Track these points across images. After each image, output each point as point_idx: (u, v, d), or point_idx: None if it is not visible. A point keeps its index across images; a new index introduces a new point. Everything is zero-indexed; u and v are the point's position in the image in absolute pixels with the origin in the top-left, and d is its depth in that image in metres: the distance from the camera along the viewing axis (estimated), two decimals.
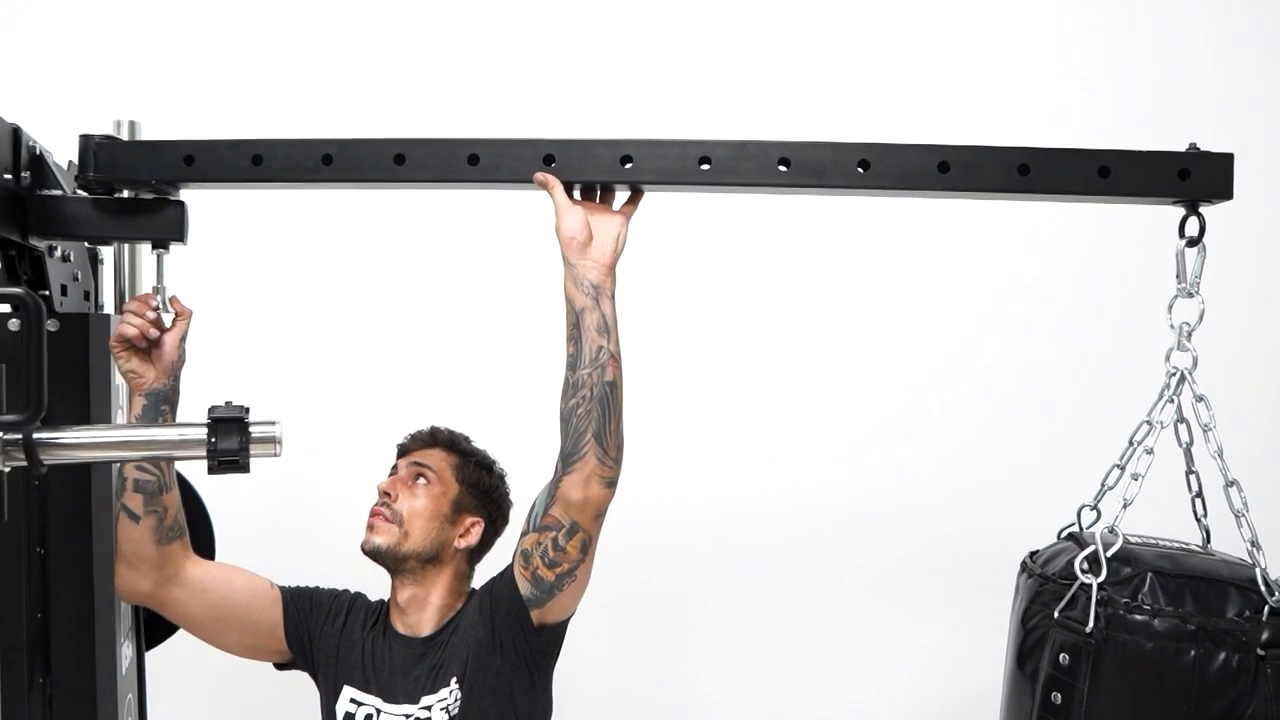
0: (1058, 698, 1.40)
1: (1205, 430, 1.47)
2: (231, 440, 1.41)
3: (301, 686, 1.74)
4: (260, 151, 1.52)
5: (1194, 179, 1.44)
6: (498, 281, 2.58)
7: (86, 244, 1.70)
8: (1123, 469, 1.51)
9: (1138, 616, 1.38)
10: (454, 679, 1.60)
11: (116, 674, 1.60)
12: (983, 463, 2.61)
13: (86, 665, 1.55)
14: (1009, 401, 2.63)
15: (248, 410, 1.41)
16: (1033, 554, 1.56)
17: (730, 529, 2.62)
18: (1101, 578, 1.40)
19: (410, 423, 1.80)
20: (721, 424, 2.63)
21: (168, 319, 1.57)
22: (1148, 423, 1.49)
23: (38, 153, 1.51)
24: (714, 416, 2.63)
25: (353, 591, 1.75)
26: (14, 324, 1.45)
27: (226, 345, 2.02)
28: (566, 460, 1.49)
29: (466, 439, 1.77)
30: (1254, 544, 1.43)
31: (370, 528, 1.67)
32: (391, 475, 1.73)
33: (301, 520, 2.51)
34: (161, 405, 1.55)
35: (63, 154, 1.57)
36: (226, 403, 1.42)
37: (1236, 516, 1.45)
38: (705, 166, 1.49)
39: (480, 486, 1.72)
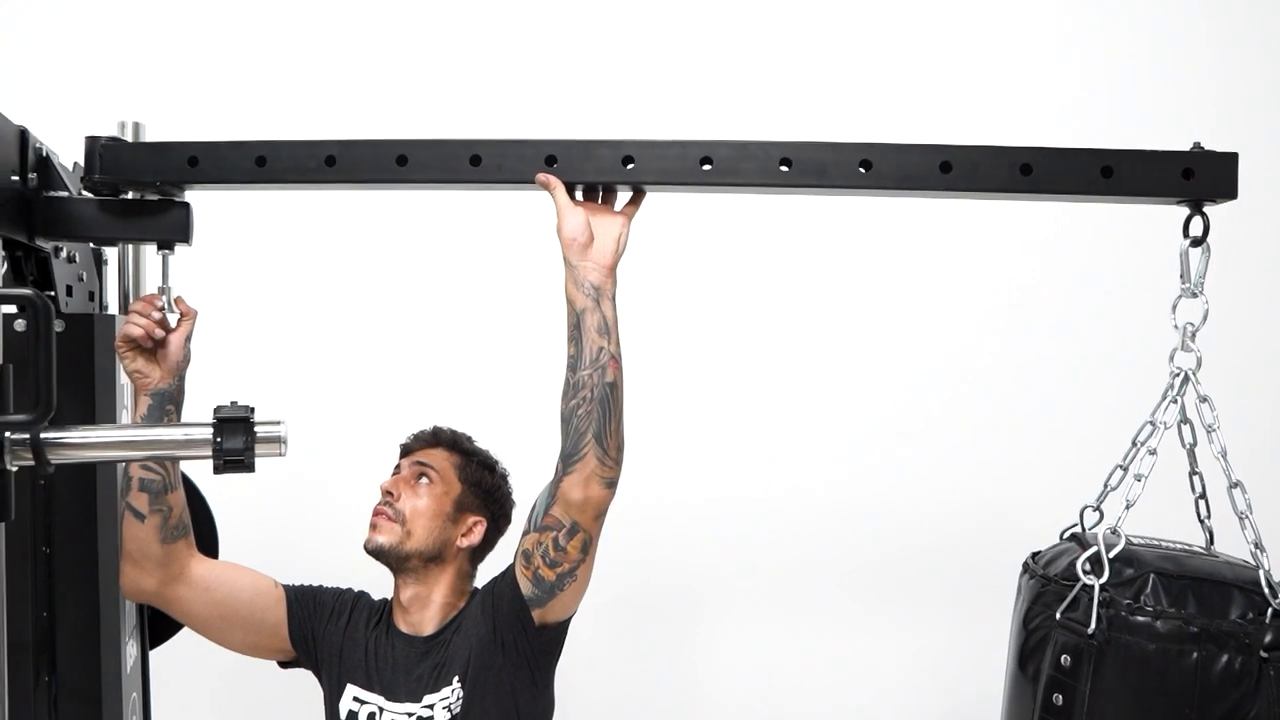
0: (1059, 699, 1.40)
1: (1209, 431, 1.46)
2: (237, 440, 1.41)
3: (305, 685, 1.75)
4: (264, 153, 1.53)
5: (1198, 178, 1.44)
6: (500, 282, 2.59)
7: (92, 245, 1.71)
8: (1126, 470, 1.51)
9: (1140, 618, 1.37)
10: (456, 678, 1.61)
11: (121, 673, 1.60)
12: (984, 463, 2.61)
13: (91, 664, 1.55)
14: (1010, 402, 2.63)
15: (253, 410, 1.41)
16: (1035, 555, 1.56)
17: (731, 529, 2.62)
18: (1104, 579, 1.40)
19: (413, 423, 1.81)
20: (722, 424, 2.63)
21: (173, 319, 1.58)
22: (1151, 423, 1.49)
23: (44, 154, 1.52)
24: (714, 417, 2.63)
25: (356, 590, 1.76)
26: (20, 324, 1.46)
27: (230, 345, 2.03)
28: (567, 461, 1.50)
29: (469, 439, 1.77)
30: (1257, 546, 1.43)
31: (373, 527, 1.68)
32: (394, 475, 1.74)
33: (305, 520, 2.52)
34: (167, 405, 1.56)
35: (68, 155, 1.58)
36: (232, 403, 1.42)
37: (1240, 518, 1.44)
38: (707, 167, 1.50)
39: (482, 486, 1.73)
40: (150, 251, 1.77)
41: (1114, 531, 1.44)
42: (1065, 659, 1.40)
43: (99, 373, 1.58)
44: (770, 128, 1.58)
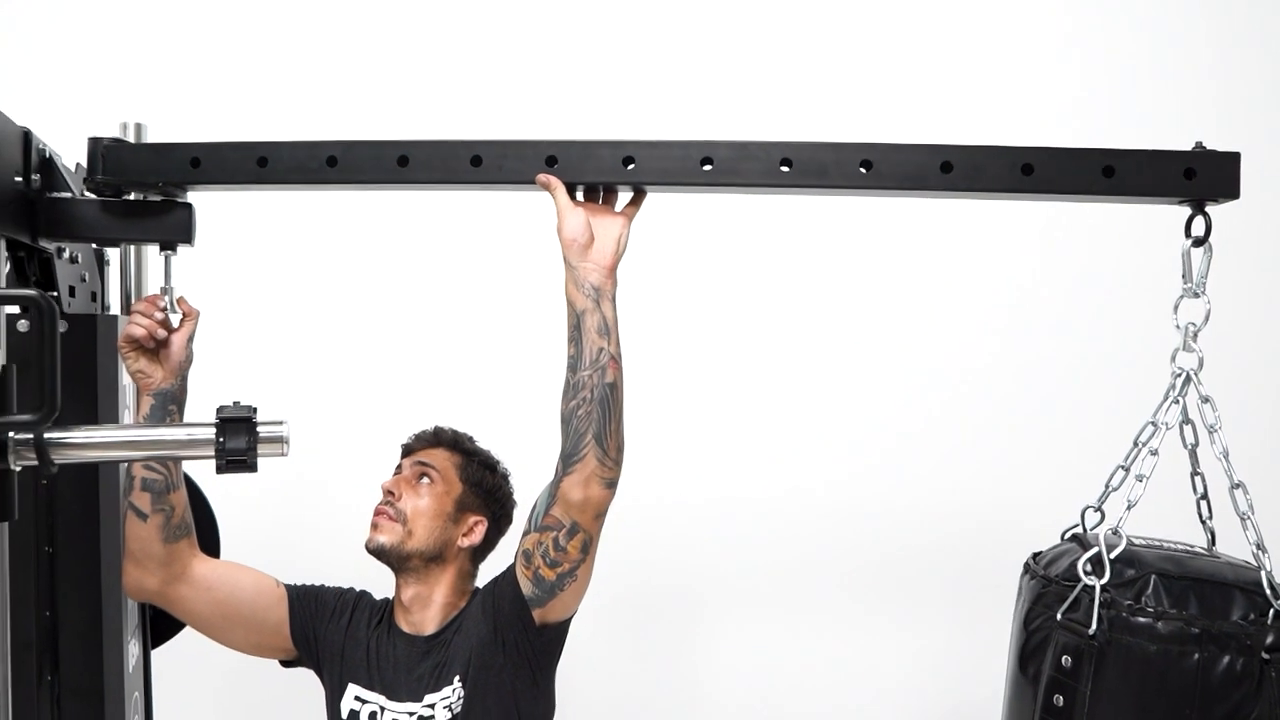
0: (1060, 700, 1.40)
1: (1211, 432, 1.46)
2: (239, 440, 1.41)
3: (306, 685, 1.75)
4: (265, 153, 1.53)
5: (1200, 178, 1.43)
6: (501, 282, 2.59)
7: (94, 246, 1.71)
8: (1127, 470, 1.51)
9: (1141, 619, 1.37)
10: (457, 677, 1.61)
11: (123, 672, 1.61)
12: (984, 463, 2.60)
13: (94, 663, 1.56)
14: (1010, 401, 2.62)
15: (255, 410, 1.42)
16: (1035, 555, 1.55)
17: (731, 529, 2.62)
18: (1105, 580, 1.39)
19: (414, 423, 1.81)
20: (722, 424, 2.64)
21: (175, 319, 1.58)
22: (1153, 424, 1.48)
23: (47, 155, 1.52)
24: (714, 417, 2.64)
25: (358, 590, 1.77)
26: (23, 325, 1.46)
27: (232, 346, 2.04)
28: (567, 461, 1.50)
29: (470, 439, 1.78)
30: (1259, 547, 1.42)
31: (374, 526, 1.69)
32: (396, 474, 1.74)
33: (306, 520, 2.53)
34: (169, 405, 1.57)
35: (70, 156, 1.58)
36: (234, 403, 1.43)
37: (1242, 519, 1.44)
38: (707, 167, 1.50)
39: (483, 486, 1.73)
40: (152, 252, 1.77)
41: (1115, 532, 1.44)
42: (1066, 660, 1.40)
43: (101, 373, 1.58)
44: (771, 128, 1.58)
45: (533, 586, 1.58)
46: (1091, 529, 1.53)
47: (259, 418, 1.41)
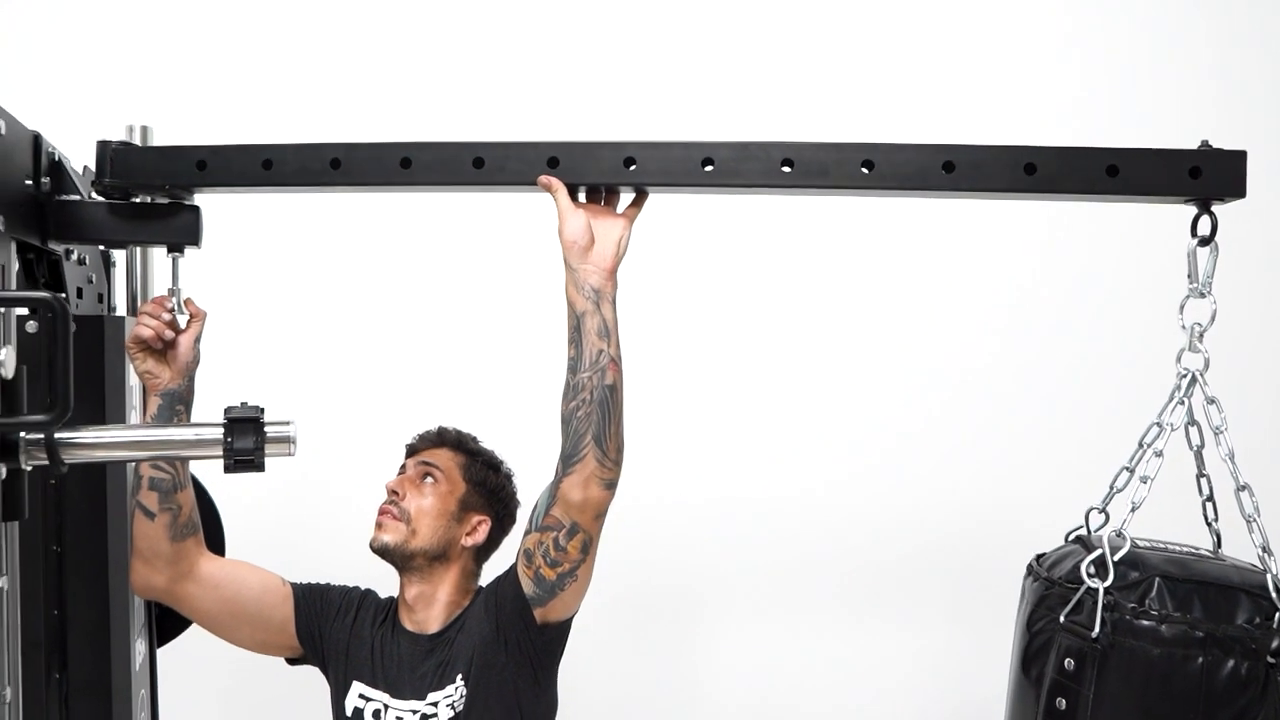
0: (1062, 703, 1.39)
1: (1216, 433, 1.44)
2: (247, 440, 1.43)
3: (311, 682, 1.77)
4: (270, 156, 1.54)
5: (1206, 177, 1.42)
6: (503, 283, 2.60)
7: (101, 248, 1.73)
8: (1132, 472, 1.49)
9: (1145, 622, 1.36)
10: (459, 676, 1.62)
11: (131, 670, 1.63)
12: (984, 463, 2.59)
13: (102, 661, 1.58)
14: (1011, 402, 2.61)
15: (263, 410, 1.43)
16: (1039, 557, 1.54)
17: (731, 529, 2.62)
18: (1108, 582, 1.38)
19: (418, 423, 1.82)
20: (722, 424, 2.64)
21: (183, 320, 1.60)
22: (1158, 425, 1.47)
23: (56, 159, 1.54)
24: (714, 417, 2.64)
25: (363, 588, 1.78)
26: (31, 326, 1.48)
27: (237, 346, 2.05)
28: (566, 462, 1.50)
29: (474, 439, 1.79)
30: (1265, 549, 1.40)
31: (379, 525, 1.70)
32: (400, 474, 1.76)
33: (310, 519, 2.55)
34: (177, 405, 1.59)
35: (77, 159, 1.60)
36: (242, 403, 1.44)
37: (1248, 521, 1.42)
38: (708, 168, 1.49)
39: (487, 485, 1.74)
40: (157, 253, 1.79)
41: (1119, 534, 1.43)
42: (1069, 663, 1.39)
43: (109, 373, 1.60)
44: (772, 128, 1.58)
45: (534, 586, 1.58)
46: (1095, 531, 1.51)
47: (266, 418, 1.43)
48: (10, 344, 1.28)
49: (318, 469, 2.20)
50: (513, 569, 1.62)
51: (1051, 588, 1.45)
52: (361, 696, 1.67)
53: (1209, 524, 1.53)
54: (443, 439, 1.76)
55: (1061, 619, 1.41)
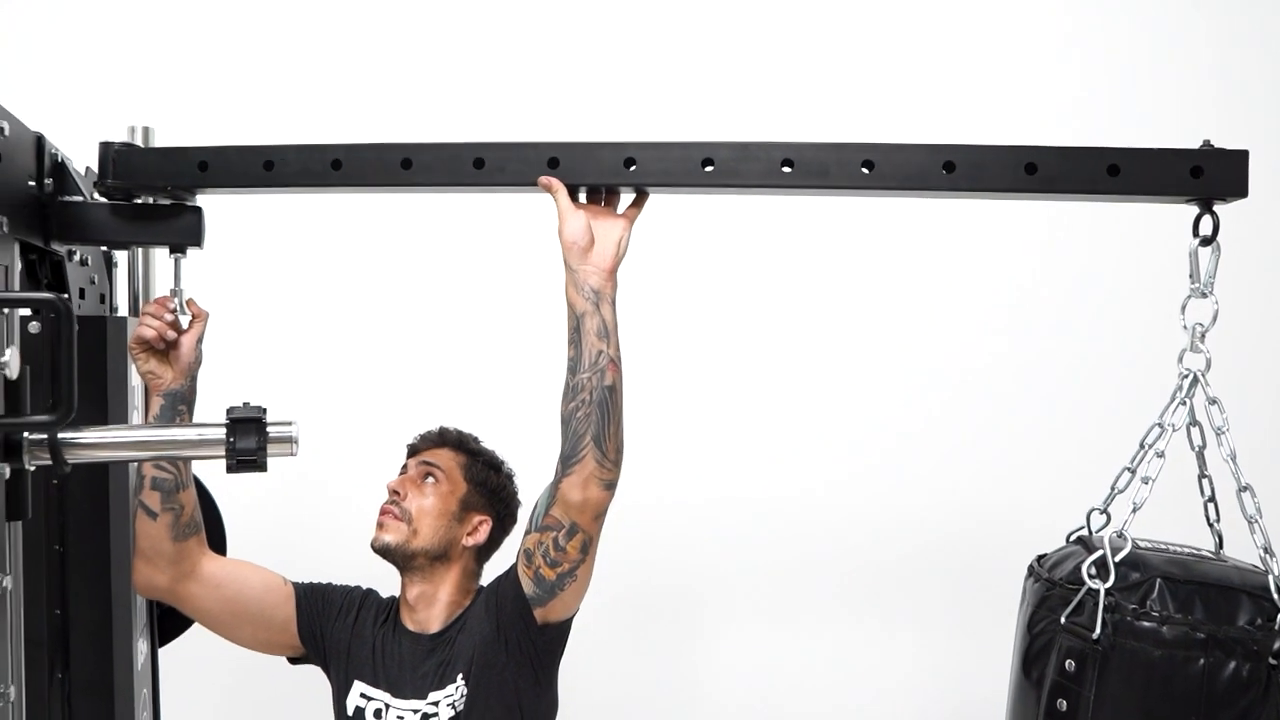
0: (1063, 705, 1.39)
1: (1218, 434, 1.44)
2: (250, 440, 1.43)
3: (312, 681, 1.77)
4: (271, 157, 1.55)
5: (1207, 177, 1.41)
6: (505, 284, 2.61)
7: (104, 248, 1.73)
8: (1133, 472, 1.49)
9: (1146, 623, 1.35)
10: (460, 675, 1.63)
11: (133, 669, 1.63)
12: (985, 464, 2.59)
13: (104, 661, 1.58)
14: (1012, 402, 2.61)
15: (265, 411, 1.44)
16: (1040, 558, 1.54)
17: (731, 529, 2.62)
18: (1109, 583, 1.38)
19: (419, 423, 1.82)
20: (722, 424, 2.64)
21: (185, 321, 1.60)
22: (1159, 425, 1.46)
23: (59, 160, 1.54)
24: (714, 417, 2.64)
25: (365, 588, 1.79)
26: (34, 326, 1.48)
27: (238, 346, 2.06)
28: (566, 462, 1.51)
29: (475, 439, 1.79)
30: (1267, 550, 1.40)
31: (380, 525, 1.71)
32: (401, 474, 1.76)
33: (312, 520, 2.56)
34: (179, 405, 1.59)
35: (78, 159, 1.60)
36: (244, 403, 1.45)
37: (1250, 522, 1.41)
38: (709, 168, 1.49)
39: (488, 485, 1.74)
40: (159, 254, 1.79)
41: (1120, 535, 1.42)
42: (1069, 664, 1.39)
43: (111, 374, 1.61)
44: (772, 128, 1.58)
45: (534, 586, 1.59)
46: (1097, 531, 1.51)
47: (268, 418, 1.44)
48: (14, 345, 1.29)
49: (319, 469, 2.20)
50: (513, 569, 1.63)
51: (1052, 589, 1.45)
52: (363, 696, 1.67)
53: (1211, 525, 1.52)
54: (444, 439, 1.77)
55: (1062, 620, 1.40)
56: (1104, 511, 1.52)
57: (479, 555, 1.75)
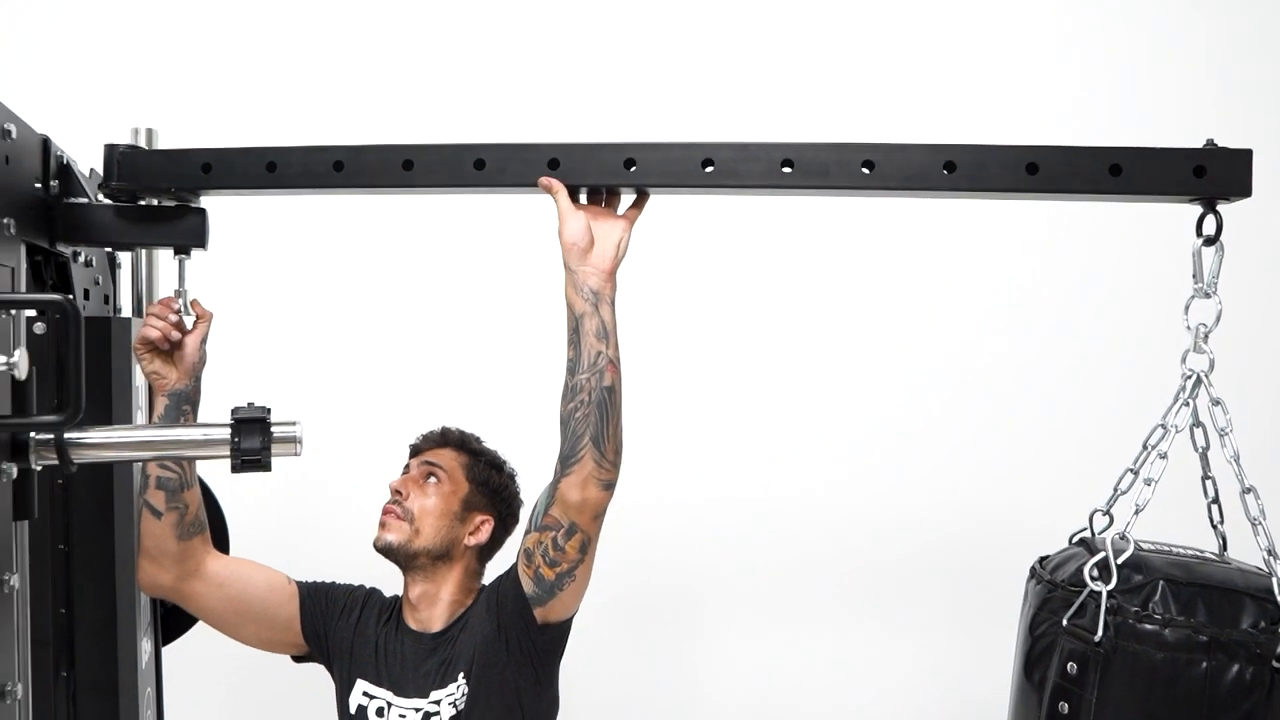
0: (1065, 708, 1.38)
1: (1222, 435, 1.43)
2: (254, 440, 1.44)
3: (314, 680, 1.78)
4: (274, 159, 1.56)
5: (1210, 176, 1.40)
6: (506, 284, 2.61)
7: (108, 249, 1.75)
8: (1136, 473, 1.48)
9: (1148, 626, 1.35)
10: (461, 674, 1.64)
11: (137, 668, 1.64)
12: (986, 464, 2.58)
13: (109, 660, 1.59)
14: (1012, 402, 2.60)
15: (269, 411, 1.45)
16: (1042, 559, 1.53)
17: (731, 529, 2.62)
18: (1111, 585, 1.37)
19: (421, 424, 1.83)
20: (722, 424, 2.64)
21: (189, 321, 1.61)
22: (1162, 426, 1.46)
23: (65, 162, 1.55)
24: (715, 417, 2.64)
25: (368, 587, 1.79)
26: (40, 327, 1.49)
27: (242, 347, 2.07)
28: (565, 462, 1.51)
29: (477, 439, 1.80)
30: (1270, 552, 1.39)
31: (382, 525, 1.71)
32: (403, 474, 1.77)
33: (315, 519, 2.57)
34: (183, 405, 1.60)
35: (82, 161, 1.61)
36: (249, 404, 1.46)
37: (1253, 524, 1.40)
38: (709, 169, 1.50)
39: (490, 485, 1.75)
40: (163, 255, 1.80)
41: (1122, 537, 1.42)
42: (1071, 667, 1.38)
43: (115, 374, 1.62)
44: (772, 129, 1.58)
45: (534, 585, 1.59)
46: (1099, 533, 1.50)
47: (272, 418, 1.44)
48: (21, 346, 1.30)
49: (321, 469, 2.21)
50: (514, 568, 1.63)
51: (1054, 590, 1.44)
52: (365, 694, 1.68)
53: (1214, 526, 1.51)
54: (446, 439, 1.78)
55: (1064, 622, 1.40)
56: (1107, 513, 1.51)
57: (481, 555, 1.75)
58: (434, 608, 1.70)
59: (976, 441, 2.59)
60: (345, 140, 1.56)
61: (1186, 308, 1.44)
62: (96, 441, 1.41)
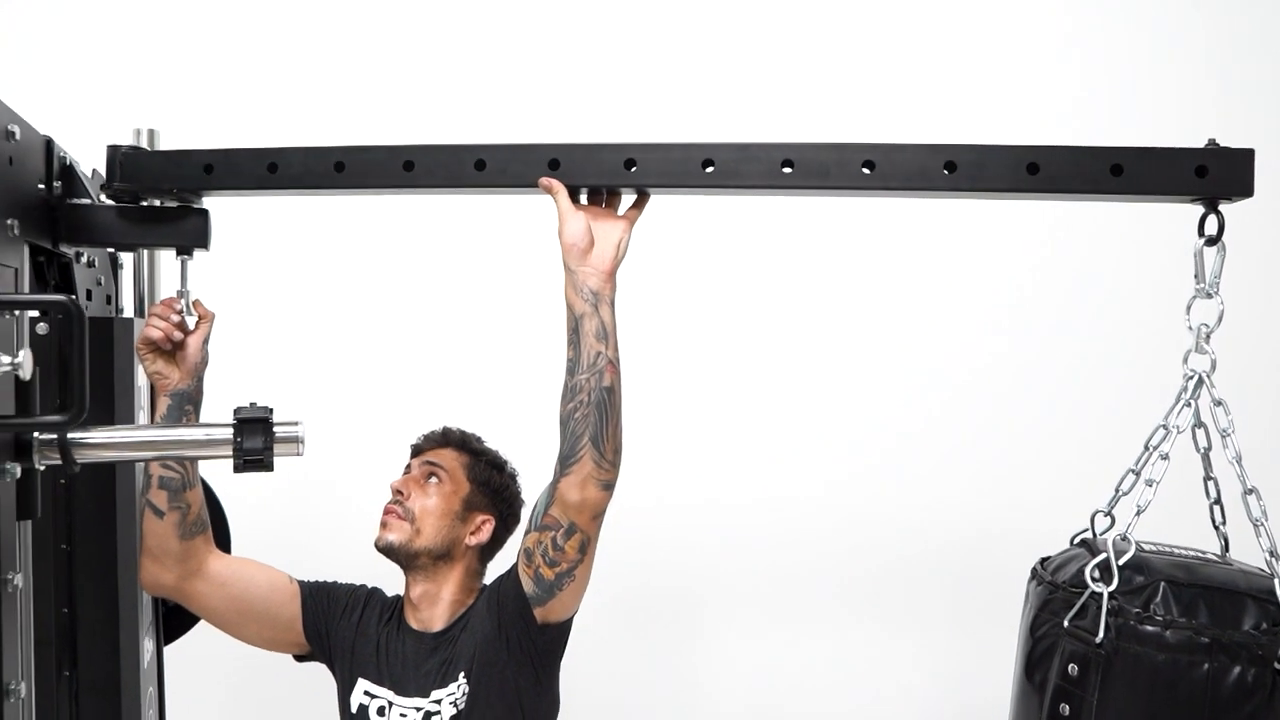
0: (1066, 709, 1.38)
1: (1224, 436, 1.42)
2: (256, 440, 1.45)
3: (315, 680, 1.79)
4: (275, 160, 1.56)
5: (1212, 176, 1.40)
6: (508, 285, 2.62)
7: (110, 250, 1.75)
8: (1138, 474, 1.47)
9: (1149, 627, 1.34)
10: (462, 674, 1.64)
11: (139, 667, 1.65)
12: (986, 464, 2.58)
13: (111, 659, 1.60)
14: (1013, 403, 2.60)
15: (272, 411, 1.45)
16: (1044, 560, 1.53)
17: (731, 530, 2.62)
18: (1113, 586, 1.37)
19: (423, 424, 1.84)
20: (722, 425, 2.64)
21: (191, 322, 1.62)
22: (1164, 427, 1.45)
23: (68, 163, 1.56)
24: (714, 418, 2.64)
25: (370, 586, 1.80)
26: (42, 328, 1.50)
27: (244, 347, 2.08)
28: (564, 462, 1.51)
29: (478, 439, 1.80)
30: (1272, 554, 1.38)
31: (383, 525, 1.72)
32: (405, 474, 1.77)
33: (316, 519, 2.58)
34: (186, 405, 1.61)
35: (82, 162, 1.62)
36: (251, 404, 1.46)
37: (1255, 525, 1.40)
38: (709, 169, 1.49)
39: (491, 485, 1.75)
40: (164, 255, 1.81)
41: (1124, 538, 1.41)
42: (1072, 668, 1.37)
43: (118, 374, 1.63)
44: (772, 129, 1.58)
45: (533, 585, 1.59)
46: (1101, 534, 1.49)
47: (274, 418, 1.45)
48: (26, 346, 1.31)
49: (323, 469, 2.22)
50: (514, 568, 1.63)
51: (1055, 592, 1.44)
52: (366, 693, 1.68)
53: (1216, 527, 1.51)
54: (447, 439, 1.78)
55: (1065, 624, 1.40)
56: (1108, 514, 1.50)
57: (482, 554, 1.75)
58: (435, 607, 1.71)
59: (977, 442, 2.59)
60: (346, 141, 1.56)
61: (1188, 308, 1.43)
62: (100, 441, 1.42)
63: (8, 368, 1.20)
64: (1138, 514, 1.41)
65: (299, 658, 1.78)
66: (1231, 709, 1.31)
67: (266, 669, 1.91)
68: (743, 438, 2.63)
